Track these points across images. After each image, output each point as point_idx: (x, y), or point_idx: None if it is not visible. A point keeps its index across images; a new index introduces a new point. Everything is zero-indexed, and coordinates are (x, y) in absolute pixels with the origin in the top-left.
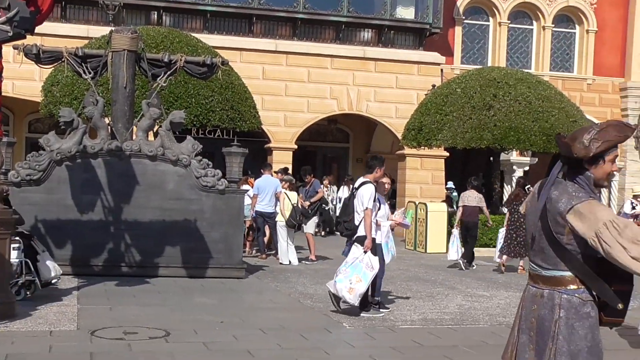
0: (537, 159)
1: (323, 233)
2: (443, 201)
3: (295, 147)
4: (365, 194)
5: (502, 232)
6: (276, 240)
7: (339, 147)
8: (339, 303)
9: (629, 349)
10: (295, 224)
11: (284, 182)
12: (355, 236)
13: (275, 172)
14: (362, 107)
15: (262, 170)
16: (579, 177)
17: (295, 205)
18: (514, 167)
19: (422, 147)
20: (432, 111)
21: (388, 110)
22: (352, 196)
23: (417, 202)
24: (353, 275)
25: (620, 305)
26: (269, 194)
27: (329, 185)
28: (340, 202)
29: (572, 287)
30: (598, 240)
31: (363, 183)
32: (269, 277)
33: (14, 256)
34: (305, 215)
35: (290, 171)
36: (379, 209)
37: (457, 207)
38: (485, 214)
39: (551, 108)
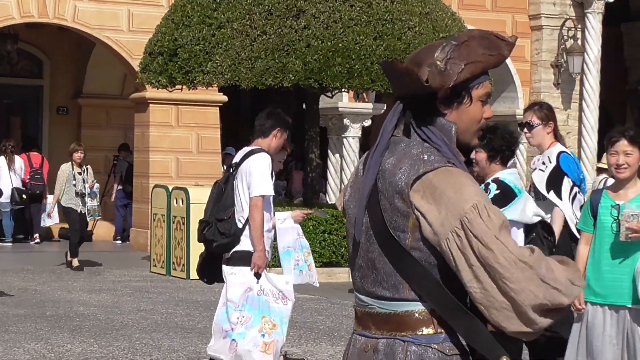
0: (385, 106)
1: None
2: None
3: None
4: (259, 169)
5: None
6: None
7: (23, 87)
8: None
9: None
10: None
11: None
12: (231, 251)
13: None
14: (66, 12)
15: None
16: (429, 130)
17: None
18: (346, 120)
19: (178, 87)
20: (194, 20)
21: (114, 18)
22: (229, 178)
23: (170, 188)
24: (261, 321)
25: None
26: None
27: (81, 164)
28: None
29: (426, 330)
30: (465, 235)
31: (252, 152)
32: None
33: None
34: None
35: None
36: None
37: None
38: None
39: (407, 14)
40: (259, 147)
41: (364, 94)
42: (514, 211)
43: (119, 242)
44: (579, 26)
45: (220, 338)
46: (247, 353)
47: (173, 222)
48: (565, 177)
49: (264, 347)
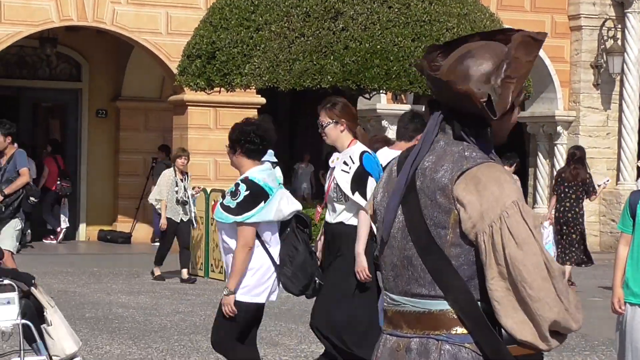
0: (423, 107)
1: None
2: None
3: None
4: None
5: (546, 230)
6: None
7: (62, 90)
8: None
9: None
10: None
11: None
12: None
13: None
14: (105, 15)
15: None
16: (472, 138)
17: None
18: (384, 121)
19: (216, 89)
20: (232, 23)
21: (152, 21)
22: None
23: (208, 190)
24: None
25: None
26: None
27: (184, 167)
28: None
29: (460, 329)
30: (501, 230)
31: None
32: None
33: (4, 316)
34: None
35: None
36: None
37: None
38: None
39: (445, 16)
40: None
41: (402, 96)
42: (268, 212)
43: (158, 244)
44: (619, 26)
45: None
46: None
47: (212, 224)
48: (370, 177)
49: None
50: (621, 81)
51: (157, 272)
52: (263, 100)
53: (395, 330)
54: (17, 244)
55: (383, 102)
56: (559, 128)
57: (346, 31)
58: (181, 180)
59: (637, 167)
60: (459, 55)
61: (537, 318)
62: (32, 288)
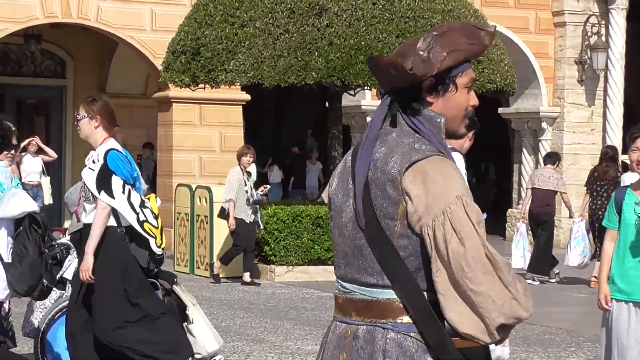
0: None
1: None
2: None
3: None
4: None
5: (576, 225)
6: None
7: (47, 87)
8: None
9: None
10: None
11: None
12: None
13: None
14: (90, 12)
15: None
16: (418, 121)
17: None
18: (369, 118)
19: (201, 86)
20: (217, 19)
21: (137, 18)
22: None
23: (193, 187)
24: None
25: None
26: None
27: (249, 165)
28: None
29: (406, 319)
30: (443, 224)
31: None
32: None
33: None
34: None
35: None
36: None
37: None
38: (566, 203)
39: (429, 12)
40: (452, 147)
41: None
42: None
43: None
44: (603, 22)
45: None
46: None
47: (197, 221)
48: (114, 176)
49: None
50: (605, 77)
51: (247, 278)
52: (247, 96)
53: (344, 318)
54: None
55: (368, 99)
56: (543, 124)
57: (331, 27)
58: (247, 179)
59: (622, 162)
60: (406, 42)
61: (480, 310)
62: (174, 286)
